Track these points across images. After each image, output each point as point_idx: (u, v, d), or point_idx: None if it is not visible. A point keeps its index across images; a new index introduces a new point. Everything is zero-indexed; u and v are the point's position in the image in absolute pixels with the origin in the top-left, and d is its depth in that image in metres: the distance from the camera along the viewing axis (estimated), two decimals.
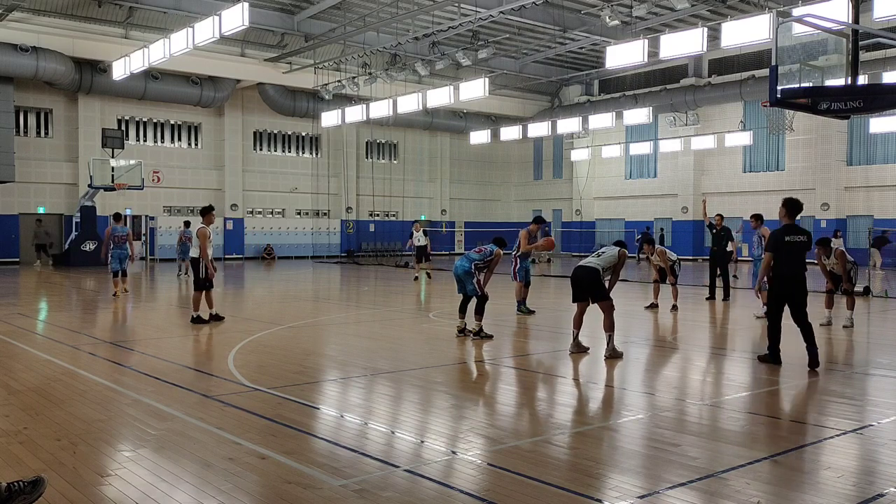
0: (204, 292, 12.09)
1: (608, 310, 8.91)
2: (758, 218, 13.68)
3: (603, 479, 4.65)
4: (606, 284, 9.23)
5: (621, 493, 4.35)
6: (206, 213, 12.23)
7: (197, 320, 11.84)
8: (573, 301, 9.25)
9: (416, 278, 22.32)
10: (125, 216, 22.49)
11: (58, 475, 4.53)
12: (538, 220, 13.63)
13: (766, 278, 8.54)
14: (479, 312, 10.34)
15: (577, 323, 9.23)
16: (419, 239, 22.35)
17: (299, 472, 4.68)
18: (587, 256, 9.61)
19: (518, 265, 13.27)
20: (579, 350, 9.18)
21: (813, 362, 8.16)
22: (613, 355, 8.84)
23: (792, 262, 8.21)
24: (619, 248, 9.31)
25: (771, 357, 8.44)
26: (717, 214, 16.45)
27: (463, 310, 10.64)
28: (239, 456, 4.98)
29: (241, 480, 4.51)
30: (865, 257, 23.83)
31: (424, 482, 4.53)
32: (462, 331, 10.57)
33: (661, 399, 6.95)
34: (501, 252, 10.56)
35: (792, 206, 8.39)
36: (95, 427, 5.72)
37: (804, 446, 5.42)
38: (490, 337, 10.28)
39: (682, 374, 8.53)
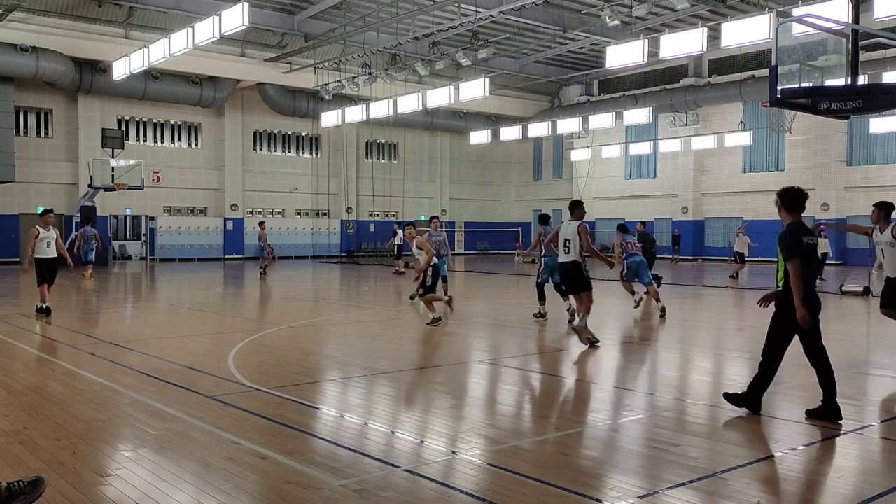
0: (46, 285, 13.14)
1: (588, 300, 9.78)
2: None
3: (603, 479, 4.65)
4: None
5: (621, 493, 4.34)
6: (43, 214, 13.57)
7: (39, 310, 12.97)
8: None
9: (402, 272, 24.54)
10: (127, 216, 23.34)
11: (58, 475, 4.52)
12: (545, 217, 13.21)
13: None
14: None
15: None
16: (401, 238, 25.11)
17: (299, 472, 4.68)
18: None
19: (543, 266, 12.82)
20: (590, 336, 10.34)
21: None
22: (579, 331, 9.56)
23: None
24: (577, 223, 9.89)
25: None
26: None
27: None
28: (239, 456, 4.98)
29: (241, 480, 4.51)
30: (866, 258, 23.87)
31: (424, 482, 4.53)
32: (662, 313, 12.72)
33: (661, 399, 6.95)
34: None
35: None
36: (95, 427, 5.72)
37: (804, 446, 5.43)
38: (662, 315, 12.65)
39: (682, 374, 8.53)
